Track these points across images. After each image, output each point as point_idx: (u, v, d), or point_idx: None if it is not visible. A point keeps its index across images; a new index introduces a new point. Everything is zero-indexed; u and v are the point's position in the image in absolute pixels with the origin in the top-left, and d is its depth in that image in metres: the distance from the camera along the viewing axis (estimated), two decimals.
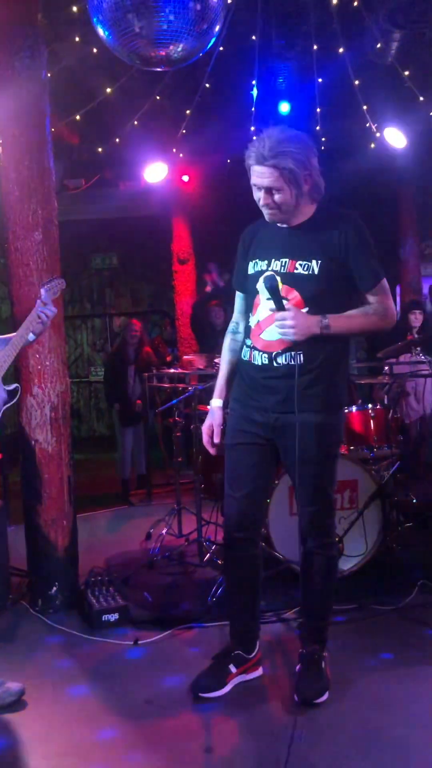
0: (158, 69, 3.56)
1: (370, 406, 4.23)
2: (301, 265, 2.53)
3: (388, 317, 2.60)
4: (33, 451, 3.61)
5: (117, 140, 6.30)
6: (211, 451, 2.74)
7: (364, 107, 5.81)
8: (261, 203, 2.52)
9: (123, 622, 3.31)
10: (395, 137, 6.40)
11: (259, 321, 2.60)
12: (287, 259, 2.54)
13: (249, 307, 2.66)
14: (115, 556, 4.48)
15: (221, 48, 4.87)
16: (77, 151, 7.20)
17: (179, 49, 3.28)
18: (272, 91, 5.94)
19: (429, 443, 5.99)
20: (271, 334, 2.54)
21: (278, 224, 2.60)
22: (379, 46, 5.18)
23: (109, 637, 3.20)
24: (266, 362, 2.56)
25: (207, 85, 5.53)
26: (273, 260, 2.56)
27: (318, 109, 5.90)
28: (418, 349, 5.39)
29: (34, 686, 2.80)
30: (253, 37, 5.08)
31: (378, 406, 4.25)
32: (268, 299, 2.51)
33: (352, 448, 4.15)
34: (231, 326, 2.82)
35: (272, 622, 3.27)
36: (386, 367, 4.97)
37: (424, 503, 4.57)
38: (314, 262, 2.52)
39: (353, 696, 2.62)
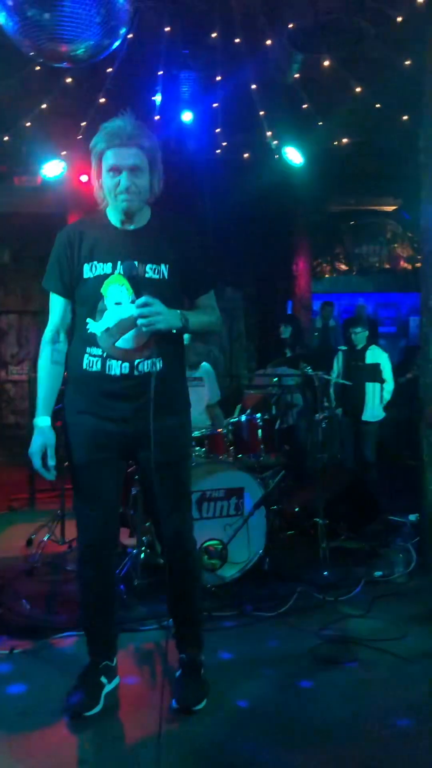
0: (60, 65, 3.49)
1: (258, 415, 4.32)
2: (151, 268, 2.48)
3: (219, 320, 2.67)
4: None
5: (13, 133, 6.12)
6: (48, 476, 2.51)
7: (265, 123, 5.95)
8: (120, 188, 2.41)
9: None
10: (293, 155, 6.60)
11: (108, 328, 2.46)
12: (136, 263, 2.45)
13: (87, 312, 2.49)
14: None
15: (125, 50, 4.85)
16: None
17: (83, 47, 3.23)
18: (175, 99, 5.97)
19: (311, 454, 6.18)
20: (129, 341, 2.45)
21: (115, 226, 2.53)
22: (280, 65, 5.33)
23: None
24: (126, 371, 2.45)
25: (110, 87, 5.49)
26: (119, 263, 2.45)
27: (220, 122, 5.99)
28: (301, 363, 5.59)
29: None
30: (159, 44, 5.09)
31: (266, 416, 4.34)
32: (117, 304, 2.44)
33: (240, 456, 4.21)
34: (49, 335, 2.58)
35: (153, 630, 3.25)
36: (275, 379, 5.09)
37: (305, 512, 4.70)
38: (163, 266, 2.49)
39: (225, 706, 2.60)
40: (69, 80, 5.37)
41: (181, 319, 2.45)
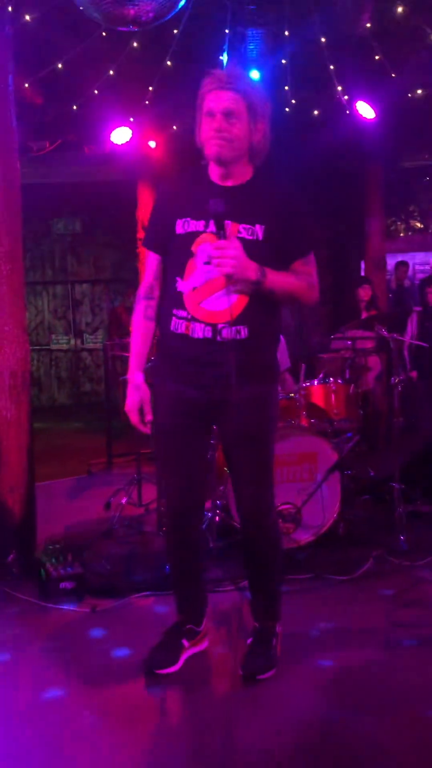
0: (126, 29, 3.47)
1: (331, 379, 4.27)
2: (245, 229, 2.35)
3: (314, 289, 2.48)
4: None
5: (81, 102, 6.14)
6: (144, 430, 2.52)
7: (335, 78, 5.76)
8: (212, 132, 2.31)
9: (80, 590, 3.31)
10: (365, 110, 6.37)
11: (196, 287, 2.36)
12: (230, 221, 2.33)
13: (176, 270, 2.42)
14: (73, 525, 4.46)
15: (191, 10, 4.77)
16: (41, 112, 7.01)
17: (148, 8, 3.19)
18: (242, 58, 5.84)
19: (387, 418, 6.08)
20: (215, 302, 2.34)
21: (213, 182, 2.42)
22: (351, 15, 5.12)
23: (65, 605, 3.20)
24: (209, 335, 2.35)
25: (176, 48, 5.41)
26: (211, 221, 2.34)
27: (288, 78, 5.83)
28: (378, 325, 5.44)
29: None
30: (225, 1, 4.98)
31: (339, 380, 4.29)
32: (206, 263, 2.32)
33: (312, 421, 4.18)
34: (145, 291, 2.55)
35: (229, 591, 3.30)
36: (349, 342, 5.01)
37: (380, 476, 4.64)
38: (258, 226, 2.36)
39: (299, 671, 2.62)
40: (135, 45, 5.32)
41: (259, 273, 2.30)
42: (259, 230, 2.37)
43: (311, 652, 2.76)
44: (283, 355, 4.98)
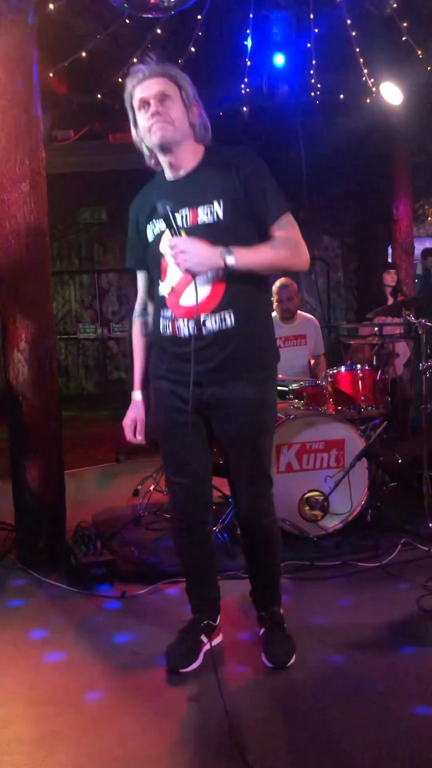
0: (149, 15, 3.46)
1: (358, 366, 4.24)
2: (203, 211, 2.29)
3: (300, 253, 2.33)
4: (20, 407, 3.60)
5: (105, 91, 6.15)
6: (137, 442, 2.60)
7: (361, 60, 5.68)
8: (151, 118, 2.27)
9: (110, 576, 3.34)
10: (392, 93, 6.28)
11: (173, 286, 2.34)
12: (187, 209, 2.30)
13: (156, 274, 2.42)
14: (102, 512, 4.51)
15: None
16: (66, 102, 7.03)
17: None
18: (267, 42, 5.79)
19: (415, 404, 6.03)
20: (191, 296, 2.27)
21: (168, 180, 2.41)
22: None
23: (95, 591, 3.24)
24: (194, 331, 2.30)
25: (200, 33, 5.38)
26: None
27: (313, 62, 5.77)
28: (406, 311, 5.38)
29: (22, 638, 2.85)
30: None
31: (366, 367, 4.26)
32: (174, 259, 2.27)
33: (339, 408, 4.16)
34: (138, 309, 2.63)
35: None
36: (375, 329, 4.97)
37: (408, 463, 4.61)
38: (216, 204, 2.28)
39: (326, 659, 2.63)
40: (158, 31, 5.30)
41: (223, 257, 2.21)
42: (217, 209, 2.29)
43: (340, 638, 2.76)
44: (318, 340, 5.03)
